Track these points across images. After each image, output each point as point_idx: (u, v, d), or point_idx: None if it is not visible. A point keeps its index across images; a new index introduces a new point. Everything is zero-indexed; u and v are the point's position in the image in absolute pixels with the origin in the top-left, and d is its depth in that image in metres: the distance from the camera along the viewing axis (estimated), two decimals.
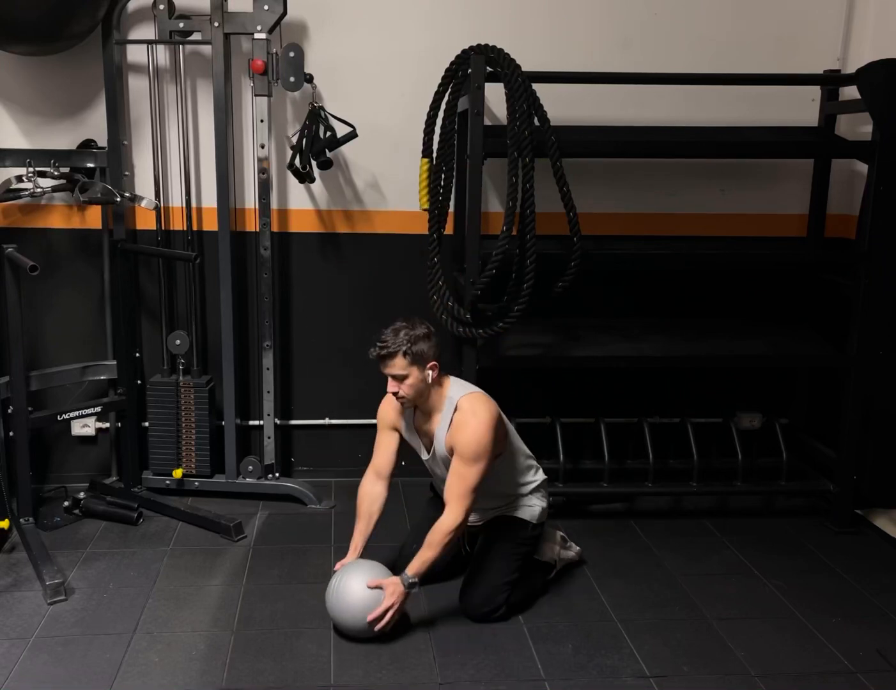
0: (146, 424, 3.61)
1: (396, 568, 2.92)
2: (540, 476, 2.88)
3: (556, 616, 2.77)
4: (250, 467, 3.59)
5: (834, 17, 3.64)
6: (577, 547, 3.08)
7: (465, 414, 2.63)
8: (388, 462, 2.84)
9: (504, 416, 2.74)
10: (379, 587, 2.56)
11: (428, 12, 3.52)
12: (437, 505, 2.96)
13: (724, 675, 2.48)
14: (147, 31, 3.42)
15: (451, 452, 2.65)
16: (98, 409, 3.43)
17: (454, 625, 2.70)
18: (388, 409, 2.81)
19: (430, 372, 2.63)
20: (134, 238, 3.56)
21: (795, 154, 3.58)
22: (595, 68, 3.49)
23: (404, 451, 2.88)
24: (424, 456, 2.82)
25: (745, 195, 3.74)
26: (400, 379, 2.61)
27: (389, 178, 3.62)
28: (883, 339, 3.29)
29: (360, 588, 2.56)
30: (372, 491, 2.83)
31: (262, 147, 3.36)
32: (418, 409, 2.75)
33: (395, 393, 2.66)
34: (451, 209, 3.34)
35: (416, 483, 3.19)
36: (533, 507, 2.83)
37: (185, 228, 3.53)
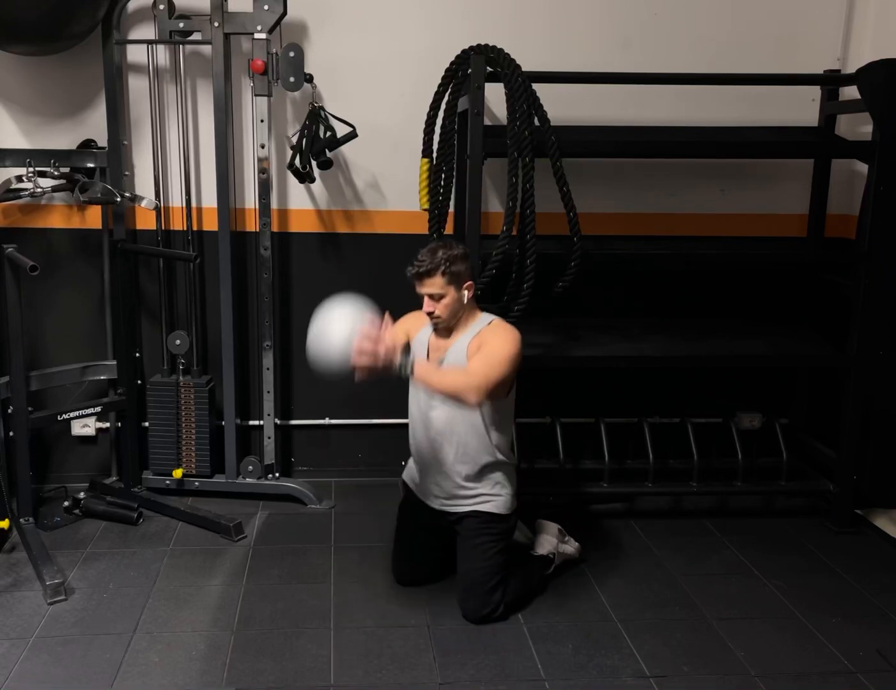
0: (146, 424, 3.61)
1: (397, 564, 2.93)
2: (513, 458, 2.85)
3: (556, 616, 2.77)
4: (250, 467, 3.59)
5: (834, 17, 3.64)
6: (577, 543, 3.08)
7: (499, 325, 2.68)
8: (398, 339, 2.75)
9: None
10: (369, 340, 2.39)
11: (428, 12, 3.52)
12: (411, 505, 2.92)
13: (724, 675, 2.48)
14: (147, 31, 3.42)
15: (474, 353, 2.60)
16: (98, 409, 3.43)
17: (454, 625, 2.70)
18: (413, 321, 2.78)
19: (466, 292, 2.63)
20: (134, 238, 3.56)
21: (795, 154, 3.58)
22: (595, 68, 3.49)
23: (405, 454, 2.88)
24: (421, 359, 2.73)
25: (745, 195, 3.74)
26: (437, 298, 2.60)
27: (389, 178, 3.62)
28: (883, 339, 3.29)
29: (346, 324, 2.40)
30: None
31: (262, 147, 3.36)
32: (441, 328, 2.71)
33: (429, 313, 2.63)
34: (451, 209, 3.34)
35: None
36: (502, 497, 2.75)
37: (185, 228, 3.53)
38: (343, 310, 2.45)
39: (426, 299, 2.63)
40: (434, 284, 2.59)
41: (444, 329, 2.72)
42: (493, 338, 2.63)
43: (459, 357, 2.66)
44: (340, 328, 2.40)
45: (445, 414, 2.70)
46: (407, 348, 2.56)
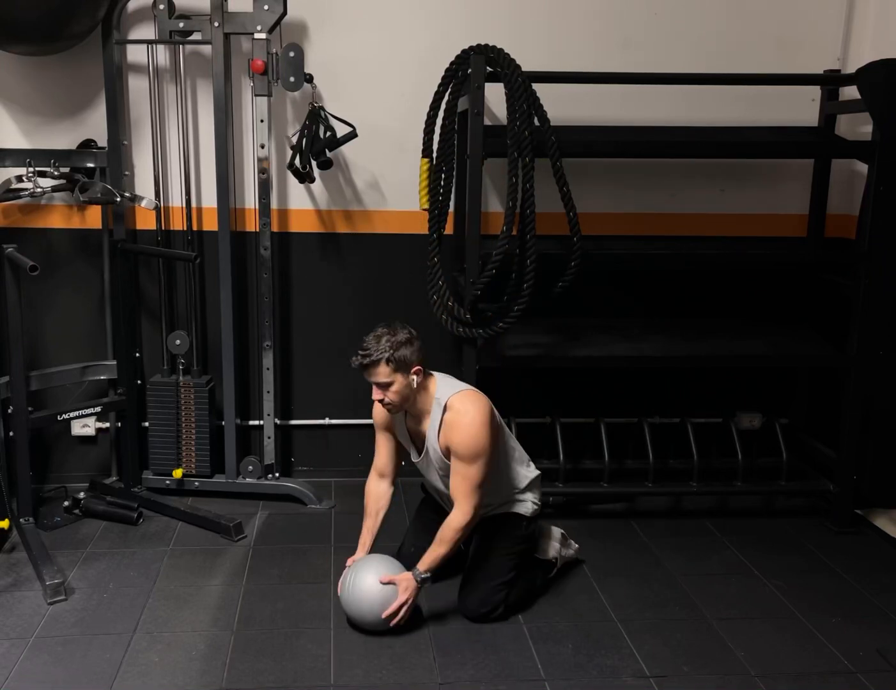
0: (146, 424, 3.61)
1: (406, 557, 2.94)
2: (534, 470, 2.87)
3: (556, 616, 2.77)
4: (250, 467, 3.59)
5: (834, 17, 3.64)
6: (576, 545, 3.09)
7: (456, 413, 2.61)
8: (388, 461, 2.86)
9: (495, 411, 2.71)
10: (392, 582, 2.59)
11: (428, 12, 3.52)
12: (431, 506, 2.97)
13: (724, 675, 2.48)
14: (147, 31, 3.42)
15: (447, 452, 2.65)
16: (98, 409, 3.43)
17: (454, 625, 2.70)
18: (380, 411, 2.78)
19: (415, 377, 2.61)
20: (134, 238, 3.56)
21: (795, 154, 3.58)
22: (595, 68, 3.49)
23: (402, 452, 2.89)
24: (415, 457, 2.81)
25: (745, 195, 3.74)
26: (384, 386, 2.59)
27: (389, 178, 3.62)
28: (883, 339, 3.29)
29: (374, 583, 2.59)
30: (377, 489, 2.86)
31: (262, 147, 3.36)
32: (408, 413, 2.74)
33: (380, 401, 2.63)
34: (451, 209, 3.34)
35: (417, 482, 3.18)
36: (526, 503, 2.82)
37: (185, 228, 3.53)
38: (362, 594, 2.62)
39: (374, 387, 2.62)
40: (380, 374, 2.57)
41: (412, 415, 2.73)
42: (456, 438, 2.59)
43: (437, 455, 2.70)
44: (371, 604, 2.60)
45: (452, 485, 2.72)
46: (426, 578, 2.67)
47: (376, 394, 2.63)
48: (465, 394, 2.67)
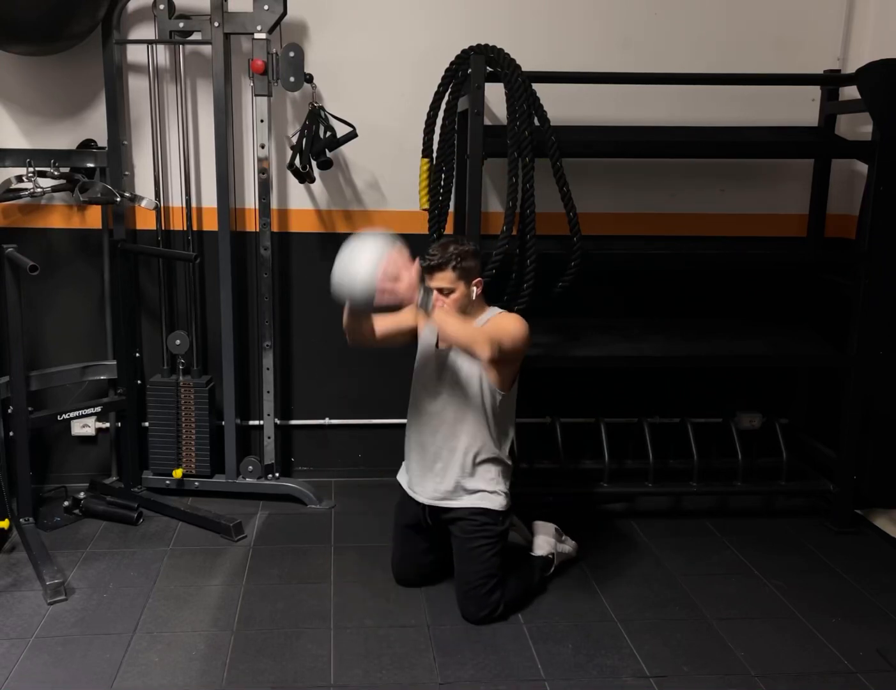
0: (146, 424, 3.61)
1: (396, 565, 2.93)
2: (509, 455, 2.84)
3: (556, 616, 2.77)
4: (250, 467, 3.59)
5: (834, 17, 3.64)
6: (573, 542, 3.09)
7: (507, 315, 2.74)
8: (388, 327, 2.81)
9: None
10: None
11: (428, 12, 3.52)
12: (405, 509, 2.90)
13: (724, 675, 2.48)
14: (147, 31, 3.42)
15: None
16: (98, 409, 3.43)
17: (454, 625, 2.70)
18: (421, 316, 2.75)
19: (475, 288, 2.66)
20: (134, 238, 3.56)
21: (795, 154, 3.58)
22: (595, 68, 3.49)
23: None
24: (432, 351, 2.76)
25: (745, 195, 3.74)
26: (446, 292, 2.63)
27: (389, 178, 3.62)
28: (883, 339, 3.29)
29: (373, 254, 2.44)
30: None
31: (262, 147, 3.36)
32: None
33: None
34: (451, 209, 3.34)
35: None
36: (499, 495, 2.76)
37: (185, 228, 3.53)
38: (371, 241, 2.48)
39: (436, 292, 2.65)
40: (444, 279, 2.62)
41: None
42: (501, 319, 2.71)
43: None
44: (367, 258, 2.44)
45: (450, 400, 2.72)
46: (428, 289, 2.61)
47: (437, 299, 2.64)
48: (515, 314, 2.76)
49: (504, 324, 2.67)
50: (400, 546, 2.93)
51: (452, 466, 2.74)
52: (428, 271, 2.63)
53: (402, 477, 2.94)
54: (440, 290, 2.64)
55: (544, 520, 3.09)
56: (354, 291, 2.48)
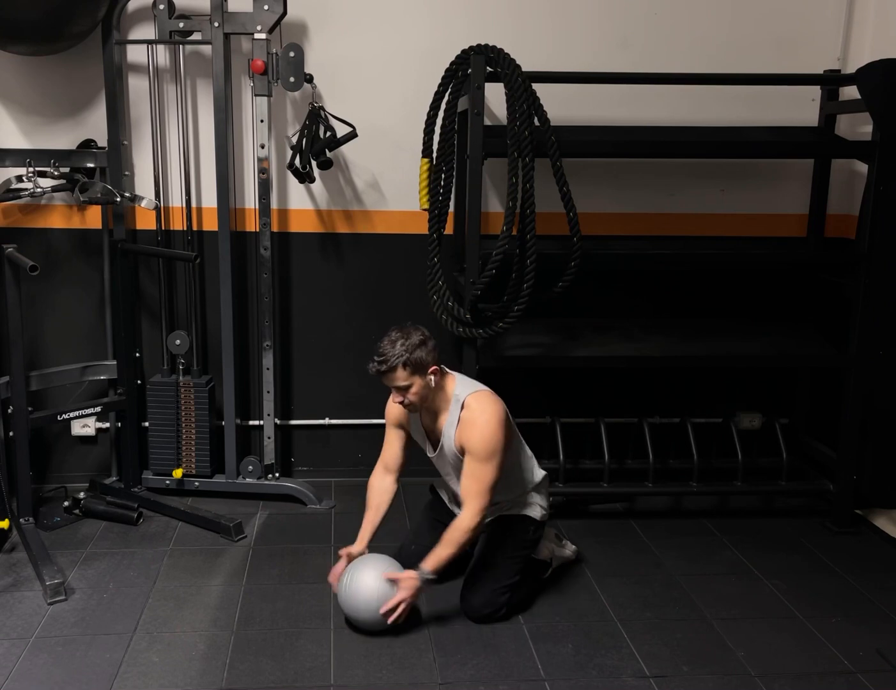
0: (146, 424, 3.61)
1: (406, 557, 2.94)
2: (540, 472, 2.89)
3: (556, 616, 2.77)
4: (250, 467, 3.59)
5: (834, 17, 3.64)
6: (573, 546, 3.09)
7: (473, 412, 2.64)
8: (396, 457, 2.87)
9: (508, 413, 2.74)
10: (396, 580, 2.59)
11: (428, 12, 3.52)
12: (438, 507, 2.98)
13: (724, 675, 2.48)
14: (147, 31, 3.42)
15: (462, 451, 2.66)
16: (98, 409, 3.43)
17: (454, 625, 2.70)
18: (395, 408, 2.80)
19: (432, 376, 2.63)
20: (134, 238, 3.56)
21: (795, 154, 3.58)
22: (595, 68, 3.50)
23: (411, 450, 2.89)
24: (430, 452, 2.82)
25: (745, 195, 3.74)
26: (403, 389, 2.61)
27: (389, 178, 3.62)
28: (883, 339, 3.29)
29: (373, 581, 2.58)
30: (381, 484, 2.87)
31: (262, 147, 3.36)
32: (424, 409, 2.75)
33: (401, 402, 2.66)
34: (451, 209, 3.34)
35: (417, 483, 3.19)
36: (534, 506, 2.83)
37: (185, 228, 3.53)
38: (369, 589, 2.60)
39: (393, 391, 2.64)
40: (398, 378, 2.59)
41: (429, 412, 2.74)
42: (472, 437, 2.61)
43: (452, 451, 2.71)
44: (366, 608, 2.59)
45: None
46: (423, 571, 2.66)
47: (396, 398, 2.65)
48: (481, 394, 2.69)
49: (479, 456, 2.59)
50: (418, 537, 2.94)
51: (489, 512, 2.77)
52: (380, 375, 2.60)
53: (440, 486, 3.00)
54: (397, 388, 2.61)
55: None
56: (361, 623, 2.65)
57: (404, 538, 3.03)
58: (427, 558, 2.63)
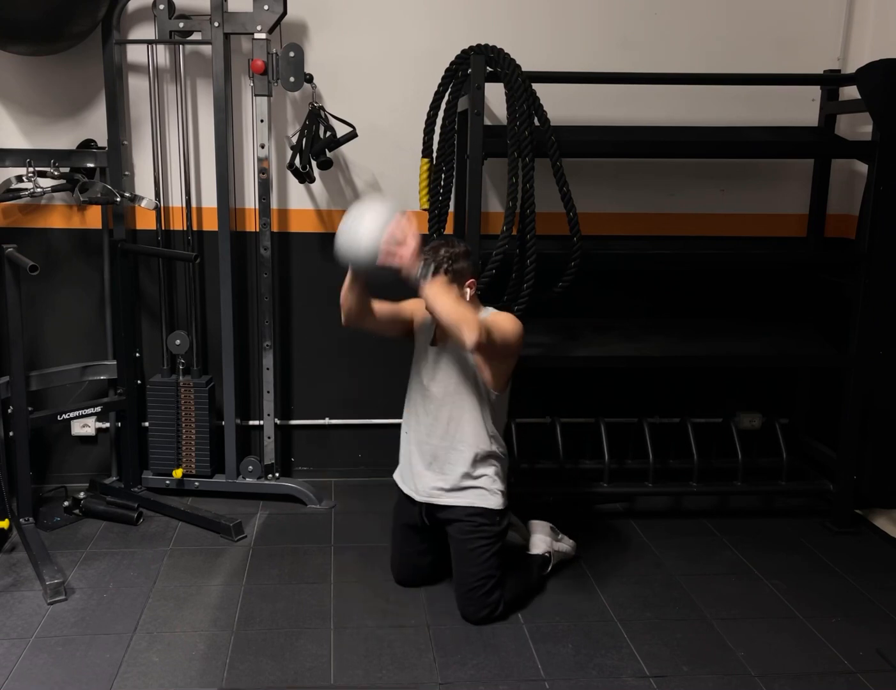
0: (146, 424, 3.61)
1: (396, 566, 2.93)
2: (505, 450, 2.83)
3: (556, 616, 2.77)
4: (250, 467, 3.59)
5: (834, 17, 3.64)
6: (571, 541, 3.09)
7: (503, 312, 2.72)
8: (390, 312, 2.83)
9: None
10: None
11: (428, 12, 3.52)
12: (404, 509, 2.89)
13: (724, 675, 2.48)
14: (147, 31, 3.42)
15: None
16: (98, 409, 3.43)
17: (454, 625, 2.70)
18: (418, 303, 2.74)
19: (468, 289, 2.65)
20: (134, 238, 3.56)
21: (795, 154, 3.58)
22: (595, 68, 3.49)
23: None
24: (428, 348, 2.76)
25: (745, 195, 3.74)
26: None
27: (389, 178, 3.62)
28: (883, 339, 3.30)
29: (376, 225, 2.46)
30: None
31: (262, 147, 3.36)
32: None
33: None
34: (451, 209, 3.34)
35: None
36: (495, 493, 2.75)
37: (185, 228, 3.53)
38: (378, 203, 2.50)
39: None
40: (437, 282, 2.59)
41: None
42: (496, 315, 2.69)
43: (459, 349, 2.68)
44: (374, 218, 2.46)
45: (446, 400, 2.71)
46: (428, 260, 2.60)
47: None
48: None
49: (497, 319, 2.67)
50: (399, 546, 2.93)
51: (449, 465, 2.74)
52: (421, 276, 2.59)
53: (398, 477, 2.93)
54: None
55: (541, 519, 3.09)
56: (359, 250, 2.48)
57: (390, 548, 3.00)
58: (434, 281, 2.56)
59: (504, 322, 2.66)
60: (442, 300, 2.53)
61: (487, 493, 2.74)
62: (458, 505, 2.74)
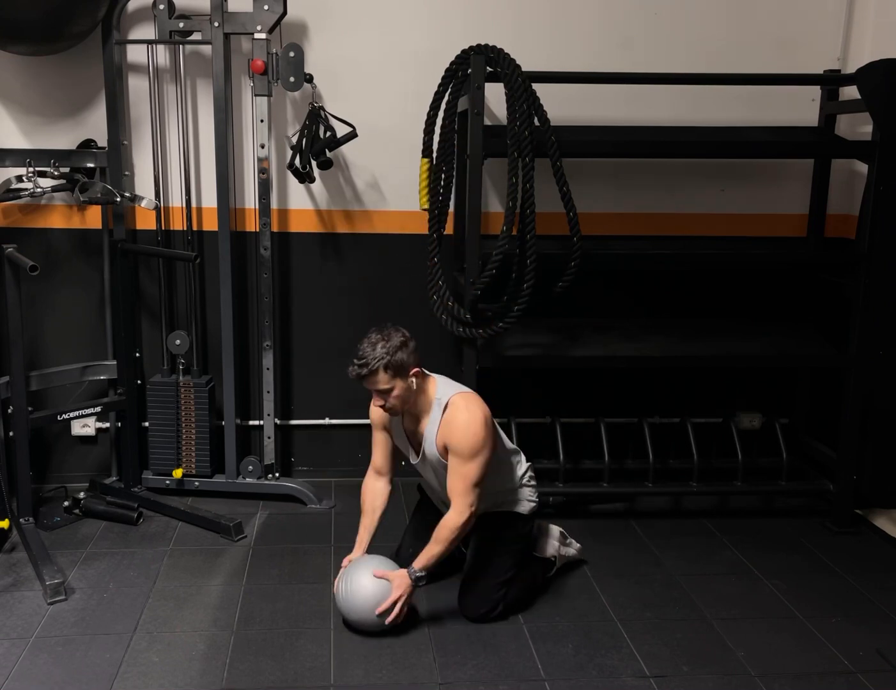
0: (146, 424, 3.61)
1: (402, 545, 2.95)
2: (525, 464, 2.87)
3: (556, 616, 2.77)
4: (250, 467, 3.59)
5: (834, 17, 3.64)
6: (578, 545, 3.09)
7: (456, 411, 2.61)
8: (385, 459, 2.86)
9: (490, 415, 2.69)
10: (386, 579, 2.59)
11: (428, 12, 3.52)
12: (428, 507, 2.97)
13: (724, 675, 2.48)
14: (147, 31, 3.42)
15: (444, 452, 2.64)
16: (98, 409, 3.43)
17: (454, 625, 2.70)
18: (377, 411, 2.76)
19: (413, 379, 2.60)
20: (134, 238, 3.56)
21: (795, 154, 3.58)
22: (595, 68, 3.49)
23: (402, 451, 2.89)
24: (413, 459, 2.81)
25: (745, 195, 3.74)
26: (385, 392, 2.58)
27: (389, 178, 3.62)
28: (883, 339, 3.29)
29: (368, 582, 2.59)
30: (374, 486, 2.86)
31: (262, 147, 3.36)
32: (406, 413, 2.73)
33: (382, 406, 2.63)
34: (451, 209, 3.34)
35: (415, 482, 3.18)
36: (523, 501, 2.82)
37: (185, 228, 3.53)
38: (355, 594, 2.61)
39: (375, 395, 2.61)
40: (379, 381, 2.55)
41: (411, 415, 2.72)
42: (455, 435, 2.59)
43: (434, 455, 2.69)
44: (362, 607, 2.59)
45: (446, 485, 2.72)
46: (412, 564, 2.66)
47: (377, 401, 2.62)
48: (464, 395, 2.68)
49: (462, 458, 2.57)
50: (412, 538, 2.94)
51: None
52: (361, 379, 2.57)
53: (431, 495, 2.97)
54: (378, 392, 2.58)
55: (548, 522, 3.09)
56: (358, 620, 2.64)
57: (400, 539, 3.03)
58: (417, 557, 2.63)
59: (467, 450, 2.56)
60: (437, 555, 2.60)
61: (516, 503, 2.81)
62: (487, 511, 2.78)
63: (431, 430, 2.67)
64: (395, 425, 2.80)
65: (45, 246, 3.54)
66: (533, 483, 2.89)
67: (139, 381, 3.60)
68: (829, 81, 3.51)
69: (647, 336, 3.47)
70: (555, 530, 3.04)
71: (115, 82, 3.33)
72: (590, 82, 3.48)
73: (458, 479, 2.60)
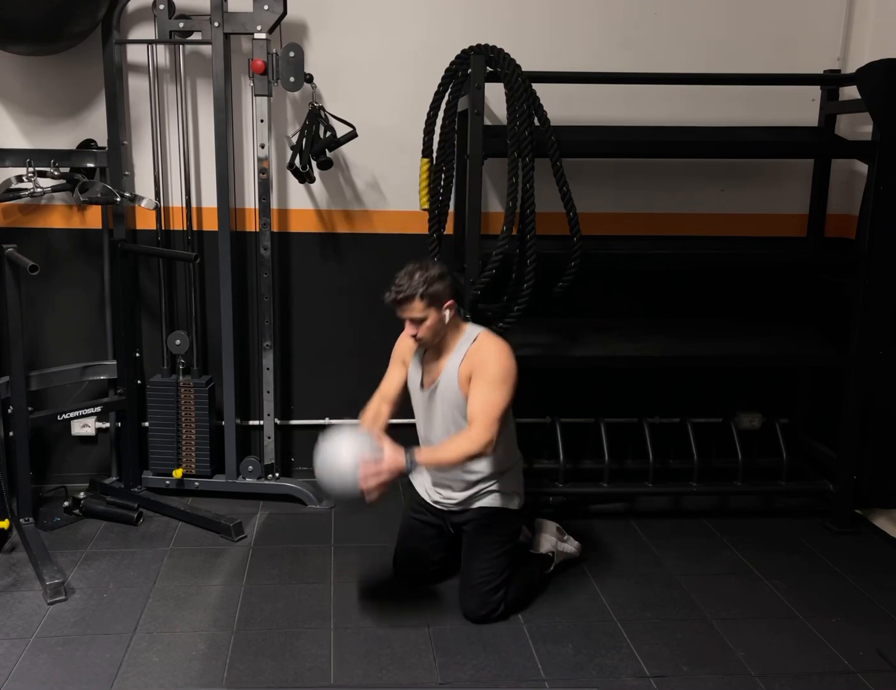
0: (146, 424, 3.61)
1: (401, 559, 2.94)
2: (518, 451, 2.88)
3: (556, 616, 2.77)
4: (250, 467, 3.59)
5: (834, 17, 3.64)
6: (577, 542, 3.09)
7: (487, 338, 2.67)
8: (394, 389, 2.83)
9: None
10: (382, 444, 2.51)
11: (428, 12, 3.52)
12: (417, 505, 2.93)
13: (724, 675, 2.48)
14: (147, 31, 3.42)
15: (465, 381, 2.61)
16: (98, 409, 3.43)
17: (454, 625, 2.70)
18: (403, 345, 2.78)
19: (447, 311, 2.62)
20: (134, 238, 3.56)
21: (795, 154, 3.58)
22: (595, 68, 3.49)
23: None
24: (419, 393, 2.77)
25: (745, 195, 3.74)
26: (418, 322, 2.58)
27: (389, 178, 3.62)
28: (883, 339, 3.29)
29: (351, 453, 2.47)
30: (378, 407, 2.81)
31: (262, 147, 3.36)
32: (433, 346, 2.72)
33: (413, 336, 2.62)
34: (451, 209, 3.34)
35: None
36: (512, 496, 2.80)
37: (185, 228, 3.53)
38: (344, 442, 2.50)
39: (408, 323, 2.61)
40: (414, 309, 2.56)
41: (435, 350, 2.72)
42: (482, 362, 2.60)
43: (451, 384, 2.67)
44: (345, 462, 2.45)
45: (445, 429, 2.71)
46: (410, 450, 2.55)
47: (409, 330, 2.61)
48: (495, 335, 2.72)
49: (488, 379, 2.57)
50: (406, 540, 2.93)
51: (465, 488, 2.76)
52: (396, 304, 2.57)
53: (417, 484, 2.94)
54: (412, 320, 2.59)
55: (543, 518, 3.09)
56: (344, 497, 2.51)
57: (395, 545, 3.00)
58: (422, 450, 2.55)
59: (493, 373, 2.57)
60: (440, 458, 2.56)
61: (503, 495, 2.78)
62: (474, 506, 2.77)
63: (455, 360, 2.66)
64: (416, 356, 2.78)
65: (45, 246, 3.54)
66: (520, 478, 2.87)
67: (139, 381, 3.60)
68: (829, 81, 3.51)
69: (647, 336, 3.47)
70: (551, 526, 3.04)
71: (115, 82, 3.33)
72: (590, 82, 3.48)
73: (481, 405, 2.55)
